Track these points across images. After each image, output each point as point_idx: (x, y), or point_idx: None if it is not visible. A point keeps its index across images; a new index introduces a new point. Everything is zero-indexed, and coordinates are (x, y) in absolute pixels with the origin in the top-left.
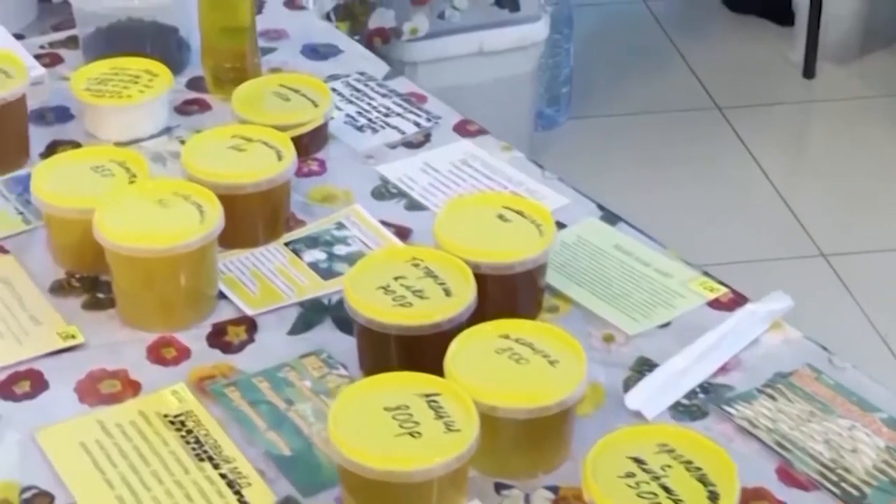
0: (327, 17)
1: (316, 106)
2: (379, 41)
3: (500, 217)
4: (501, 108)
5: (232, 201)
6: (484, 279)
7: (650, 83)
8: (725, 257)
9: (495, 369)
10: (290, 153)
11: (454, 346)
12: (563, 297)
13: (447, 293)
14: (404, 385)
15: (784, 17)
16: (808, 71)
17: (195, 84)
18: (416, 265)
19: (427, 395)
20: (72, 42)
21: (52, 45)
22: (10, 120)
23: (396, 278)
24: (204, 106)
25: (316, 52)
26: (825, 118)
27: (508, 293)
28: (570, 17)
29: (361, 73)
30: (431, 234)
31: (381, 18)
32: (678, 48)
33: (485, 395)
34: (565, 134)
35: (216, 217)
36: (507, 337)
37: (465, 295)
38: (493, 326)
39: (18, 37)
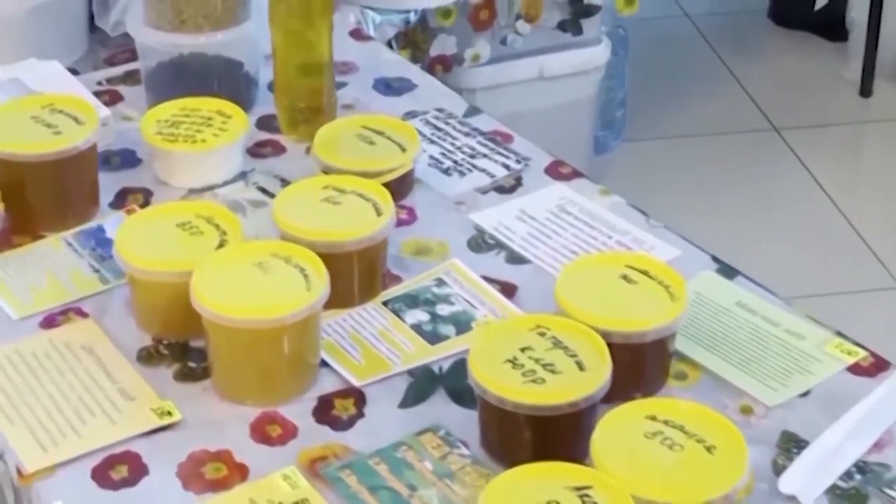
0: (388, 46)
1: (403, 150)
2: (440, 69)
3: (625, 278)
4: (560, 134)
5: (329, 259)
6: (610, 347)
7: (703, 103)
8: (794, 289)
9: (648, 457)
10: (389, 207)
11: (599, 432)
12: (690, 363)
13: (580, 367)
14: (553, 476)
15: (835, 32)
16: (865, 89)
17: (266, 123)
18: (542, 334)
19: (578, 489)
20: (130, 77)
21: (109, 81)
22: (82, 169)
23: (523, 350)
24: (277, 148)
25: (389, 86)
26: (886, 138)
27: (638, 362)
28: (626, 38)
29: (440, 110)
30: (540, 292)
31: (442, 45)
32: (728, 66)
33: (642, 489)
34: (618, 158)
35: (322, 283)
36: (654, 419)
37: (601, 370)
38: (638, 407)
39: (73, 71)
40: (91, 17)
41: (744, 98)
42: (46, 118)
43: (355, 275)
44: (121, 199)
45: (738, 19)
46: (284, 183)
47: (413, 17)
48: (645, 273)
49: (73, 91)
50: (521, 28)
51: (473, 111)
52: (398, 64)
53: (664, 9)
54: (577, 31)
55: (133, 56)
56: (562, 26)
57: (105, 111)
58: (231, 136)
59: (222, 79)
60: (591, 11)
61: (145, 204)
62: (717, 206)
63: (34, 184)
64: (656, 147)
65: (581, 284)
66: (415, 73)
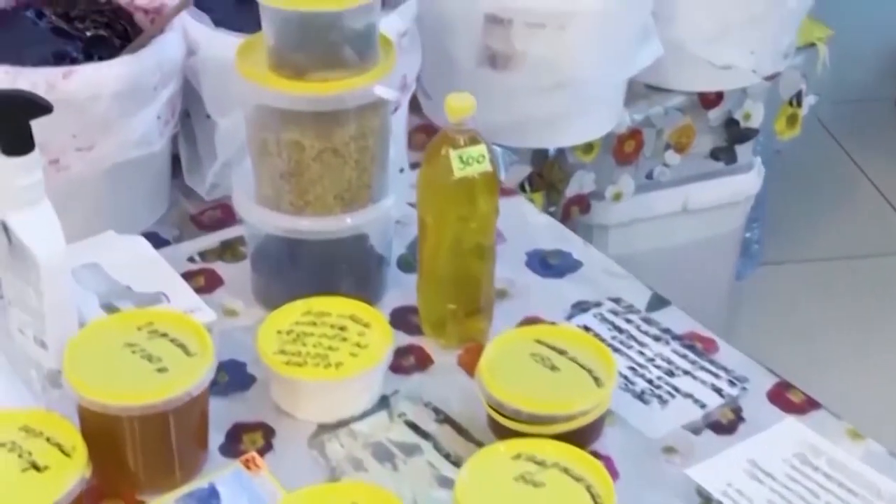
0: (521, 189)
1: (598, 383)
2: (577, 211)
3: None
4: (700, 271)
5: None
6: None
7: (844, 220)
8: None
9: None
10: (609, 491)
11: None
12: None
13: None
14: None
15: None
16: None
17: (401, 319)
18: None
19: None
20: (229, 250)
21: (204, 256)
22: (192, 416)
23: None
24: (422, 358)
25: (547, 264)
26: None
27: None
28: (769, 155)
29: (616, 301)
30: None
31: (580, 184)
32: (866, 173)
33: None
34: (754, 283)
35: None
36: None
37: None
38: None
39: (155, 238)
40: (174, 165)
41: (888, 213)
42: (145, 346)
43: None
44: (234, 441)
45: (862, 109)
46: (438, 414)
47: (551, 153)
48: None
49: (163, 276)
50: (669, 159)
51: (659, 302)
52: (551, 230)
53: None
54: (731, 158)
55: (228, 215)
56: (714, 154)
57: (209, 314)
58: (372, 357)
59: (348, 258)
60: (748, 136)
61: (266, 448)
62: (866, 342)
63: (132, 439)
64: (794, 271)
65: None
66: (574, 243)
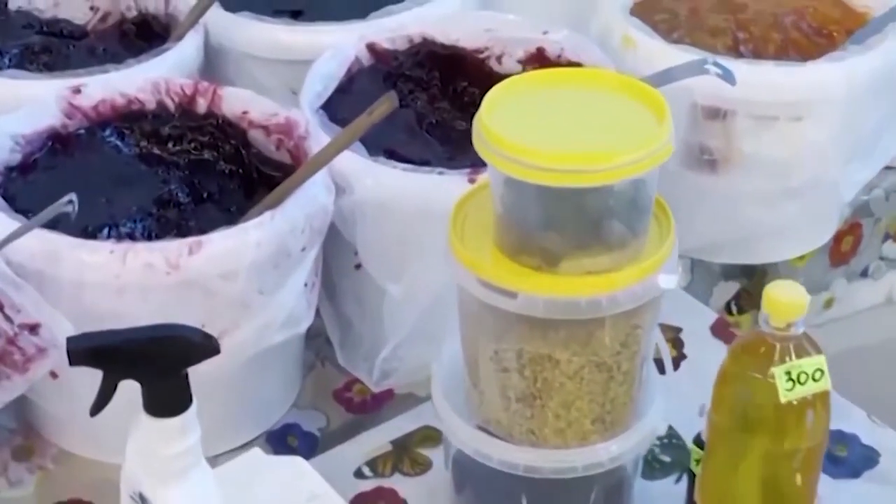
0: (727, 310)
1: None
2: None
3: None
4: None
5: None
6: None
7: None
8: None
9: None
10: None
11: None
12: None
13: None
14: None
15: None
16: None
17: None
18: None
19: None
20: (407, 456)
21: (374, 465)
22: None
23: None
24: None
25: (833, 458)
26: None
27: None
28: None
29: None
30: None
31: None
32: None
33: None
34: None
35: None
36: None
37: None
38: None
39: (293, 429)
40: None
41: None
42: None
43: None
44: None
45: None
46: None
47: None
48: None
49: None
50: (887, 251)
51: None
52: None
53: None
54: None
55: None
56: None
57: None
58: None
59: (597, 491)
60: None
61: None
62: None
63: None
64: None
65: None
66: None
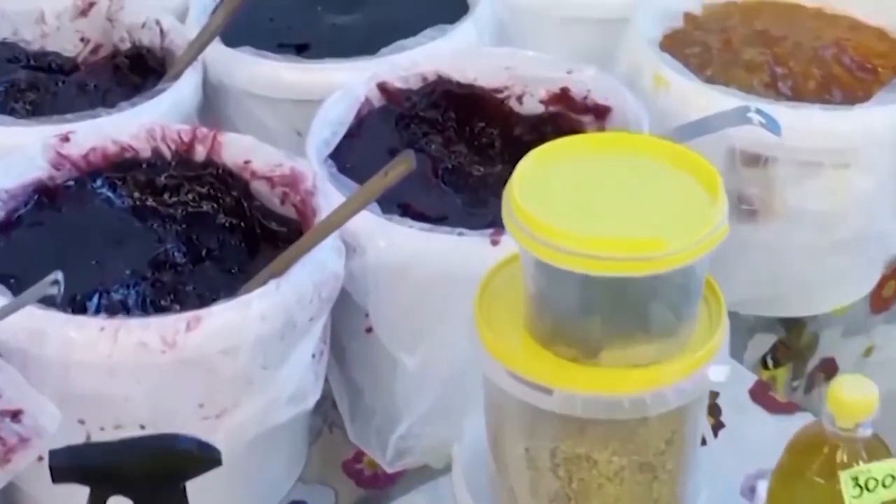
0: (762, 364)
1: None
2: (822, 377)
3: None
4: None
5: None
6: None
7: None
8: None
9: None
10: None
11: None
12: None
13: None
14: None
15: None
16: None
17: None
18: None
19: None
20: None
21: None
22: None
23: None
24: None
25: None
26: None
27: None
28: None
29: None
30: None
31: (829, 346)
32: None
33: None
34: None
35: None
36: None
37: None
38: None
39: None
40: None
41: None
42: None
43: None
44: None
45: None
46: None
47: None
48: None
49: None
50: None
51: None
52: None
53: None
54: None
55: None
56: None
57: None
58: None
59: None
60: None
61: None
62: None
63: None
64: None
65: None
66: None
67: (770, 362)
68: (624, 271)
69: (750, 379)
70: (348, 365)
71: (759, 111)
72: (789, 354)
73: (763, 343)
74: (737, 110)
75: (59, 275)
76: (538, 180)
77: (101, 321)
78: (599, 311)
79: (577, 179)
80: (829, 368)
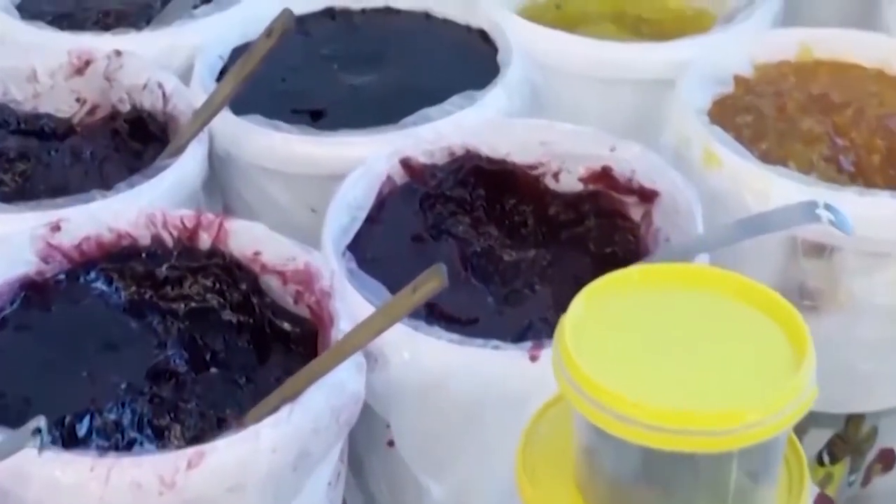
0: (818, 460)
1: None
2: (878, 469)
3: None
4: None
5: None
6: None
7: None
8: None
9: None
10: None
11: None
12: None
13: None
14: None
15: None
16: None
17: None
18: None
19: None
20: None
21: None
22: None
23: None
24: None
25: None
26: None
27: None
28: None
29: None
30: None
31: (887, 436)
32: None
33: None
34: None
35: None
36: None
37: None
38: None
39: None
40: None
41: None
42: None
43: None
44: None
45: None
46: None
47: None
48: None
49: None
50: None
51: None
52: None
53: None
54: None
55: None
56: None
57: None
58: None
59: None
60: None
61: None
62: None
63: None
64: None
65: None
66: None
67: (826, 458)
68: (695, 448)
69: (811, 491)
70: (367, 478)
71: (828, 206)
72: (847, 449)
73: (819, 438)
74: (804, 206)
75: (41, 422)
76: (591, 326)
77: (90, 459)
78: (663, 482)
79: (636, 324)
80: (888, 459)
